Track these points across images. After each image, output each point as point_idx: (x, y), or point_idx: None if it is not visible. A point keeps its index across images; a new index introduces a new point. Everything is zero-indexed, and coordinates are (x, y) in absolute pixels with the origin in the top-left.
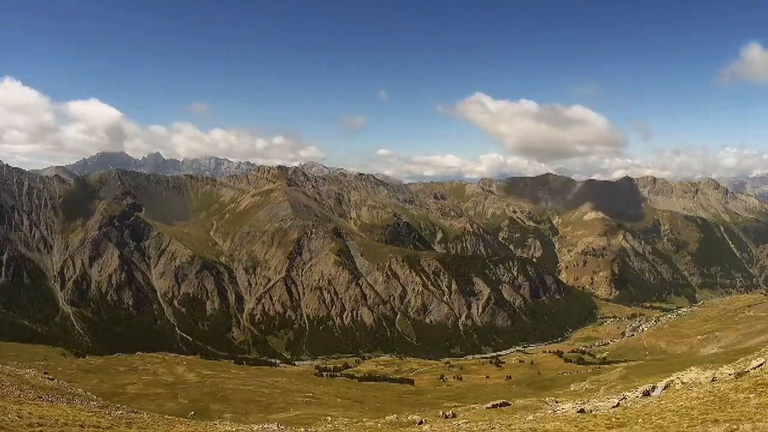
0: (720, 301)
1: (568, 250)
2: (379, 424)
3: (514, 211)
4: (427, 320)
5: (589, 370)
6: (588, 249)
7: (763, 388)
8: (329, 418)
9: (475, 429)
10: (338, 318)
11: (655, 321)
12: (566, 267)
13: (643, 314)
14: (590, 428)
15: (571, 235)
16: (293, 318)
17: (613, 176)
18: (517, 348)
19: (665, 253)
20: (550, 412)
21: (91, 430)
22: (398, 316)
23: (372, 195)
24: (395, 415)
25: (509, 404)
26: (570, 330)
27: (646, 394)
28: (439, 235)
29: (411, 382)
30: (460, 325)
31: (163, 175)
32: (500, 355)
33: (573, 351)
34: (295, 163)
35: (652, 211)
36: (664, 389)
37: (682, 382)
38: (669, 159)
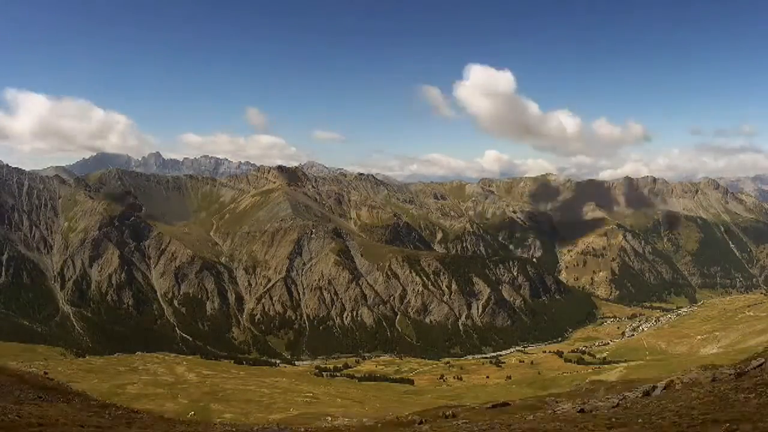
0: (720, 301)
1: (568, 250)
2: (379, 425)
3: (514, 211)
4: (427, 320)
5: (589, 370)
6: (588, 249)
7: (763, 388)
8: (329, 418)
9: (475, 429)
10: (338, 318)
11: (655, 321)
12: (566, 267)
13: (643, 314)
14: (590, 428)
15: (571, 235)
16: (293, 318)
17: (613, 176)
18: (517, 348)
19: (665, 253)
20: (550, 412)
21: (91, 430)
22: (398, 316)
23: (372, 195)
24: (395, 416)
25: (509, 404)
26: (570, 330)
27: (646, 394)
28: (439, 235)
29: (411, 382)
30: (460, 325)
31: (163, 175)
32: (500, 355)
33: (573, 351)
34: (295, 162)
35: (652, 211)
36: (664, 389)
37: (682, 382)
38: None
